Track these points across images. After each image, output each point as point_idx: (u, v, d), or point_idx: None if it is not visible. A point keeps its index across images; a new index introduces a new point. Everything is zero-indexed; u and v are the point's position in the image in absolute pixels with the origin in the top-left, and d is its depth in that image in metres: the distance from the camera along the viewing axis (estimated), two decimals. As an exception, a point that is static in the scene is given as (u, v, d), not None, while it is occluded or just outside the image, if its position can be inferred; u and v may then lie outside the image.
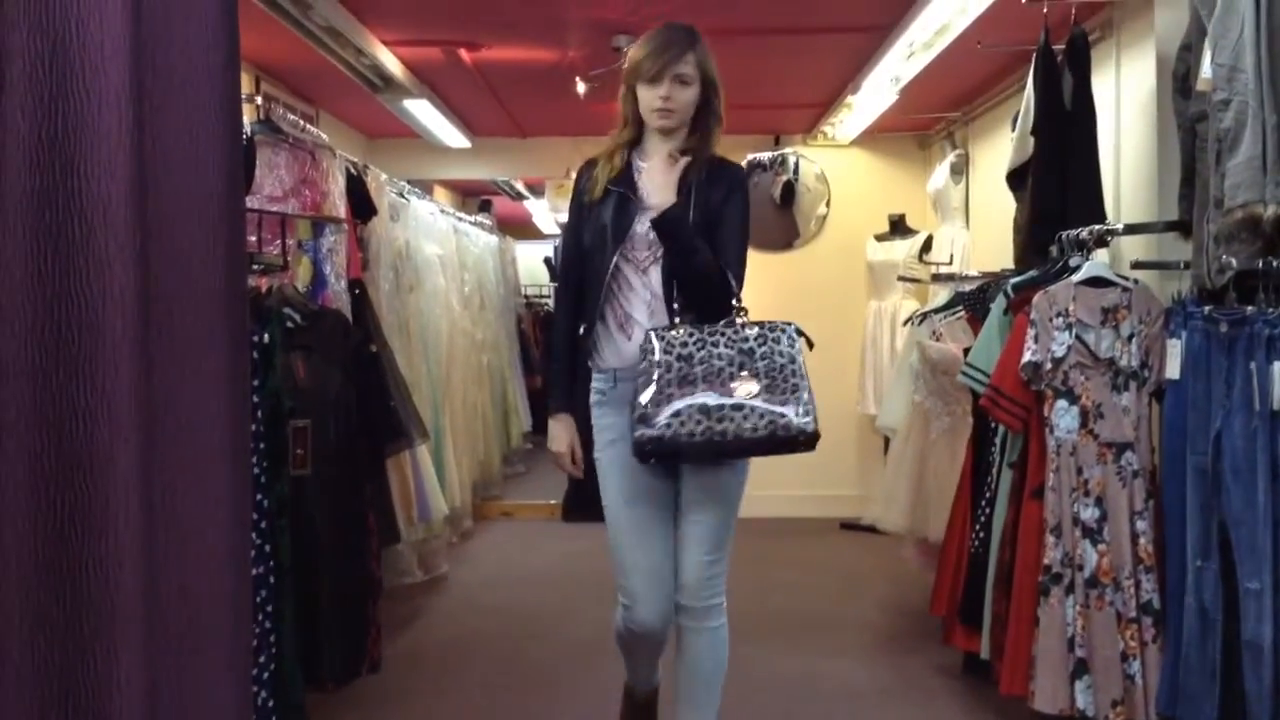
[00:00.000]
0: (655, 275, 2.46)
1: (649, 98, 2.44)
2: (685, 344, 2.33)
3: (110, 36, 1.45)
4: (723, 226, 2.47)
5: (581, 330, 2.56)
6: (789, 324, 2.39)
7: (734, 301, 2.42)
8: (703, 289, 2.42)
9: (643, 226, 2.46)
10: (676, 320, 2.40)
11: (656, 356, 2.32)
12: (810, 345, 2.44)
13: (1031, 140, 3.54)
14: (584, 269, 2.55)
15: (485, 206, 8.96)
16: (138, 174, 1.47)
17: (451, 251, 5.73)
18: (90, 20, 1.43)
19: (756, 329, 2.35)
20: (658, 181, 2.46)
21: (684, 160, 2.46)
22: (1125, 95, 3.77)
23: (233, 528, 1.57)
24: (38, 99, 1.42)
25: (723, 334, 2.35)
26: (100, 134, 1.44)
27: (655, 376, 2.30)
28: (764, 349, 2.32)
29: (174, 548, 1.45)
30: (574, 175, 2.64)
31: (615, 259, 2.46)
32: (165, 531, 1.43)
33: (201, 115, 1.60)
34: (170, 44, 1.57)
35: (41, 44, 1.42)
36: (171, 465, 1.47)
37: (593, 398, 2.56)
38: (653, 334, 2.36)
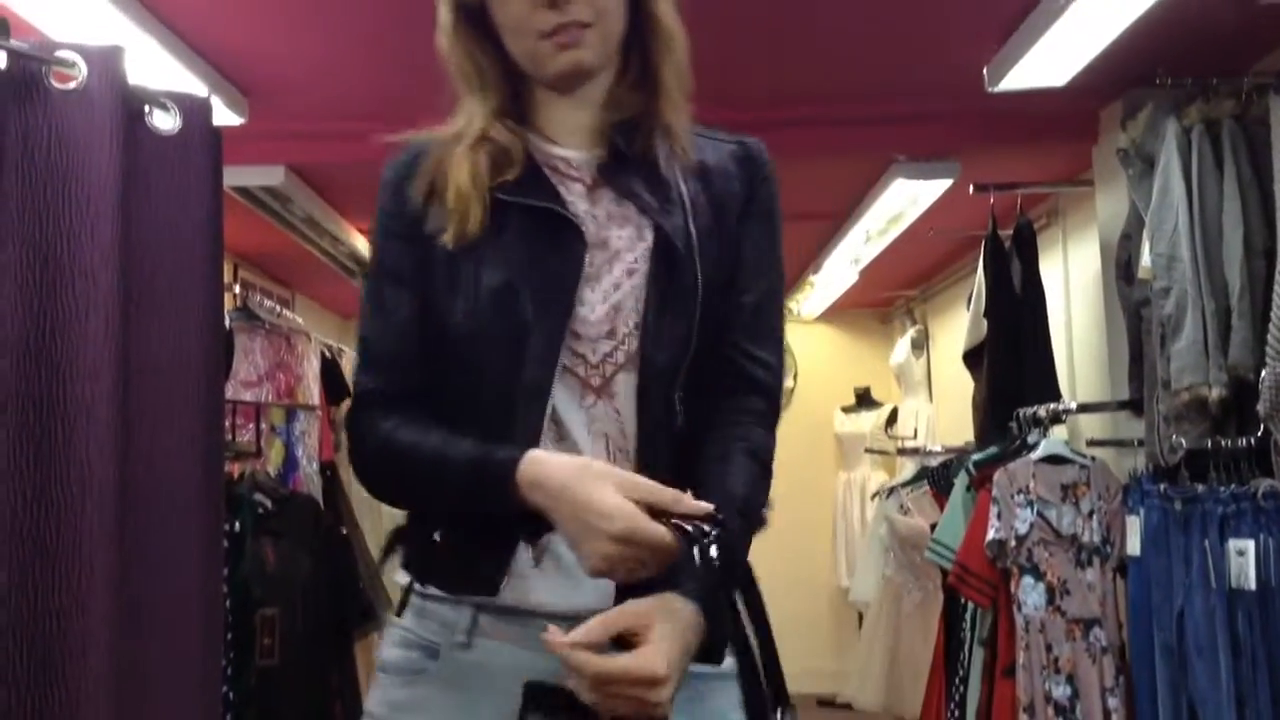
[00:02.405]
0: (624, 397, 1.16)
1: (522, 12, 1.15)
2: None
3: (100, 248, 1.51)
4: (744, 270, 1.22)
5: (434, 535, 1.18)
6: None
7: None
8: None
9: (595, 295, 1.16)
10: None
11: None
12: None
13: (985, 322, 3.67)
14: (447, 378, 1.18)
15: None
16: (121, 374, 1.52)
17: (423, 429, 5.76)
18: (82, 234, 1.50)
19: None
20: (601, 187, 1.21)
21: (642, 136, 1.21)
22: (1074, 279, 3.94)
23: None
24: (26, 307, 1.47)
25: None
26: (87, 338, 1.49)
27: None
28: None
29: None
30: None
31: (550, 372, 1.13)
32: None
33: (187, 315, 1.66)
34: (160, 249, 1.64)
35: (33, 257, 1.48)
36: (144, 662, 1.47)
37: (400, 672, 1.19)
38: None
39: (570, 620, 1.02)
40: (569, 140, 1.22)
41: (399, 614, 1.21)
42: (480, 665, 1.14)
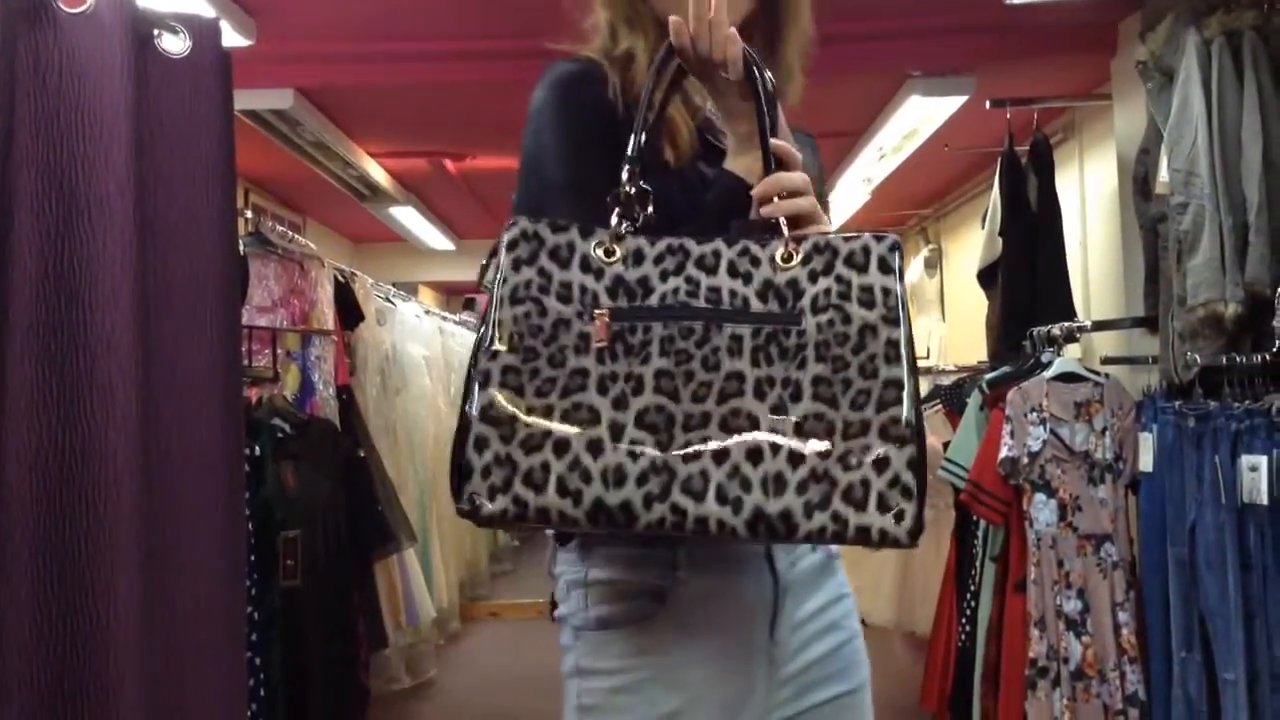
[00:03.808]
0: None
1: None
2: (640, 264, 1.09)
3: (115, 174, 1.51)
4: None
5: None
6: (881, 236, 1.10)
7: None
8: None
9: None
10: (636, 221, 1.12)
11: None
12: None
13: (1000, 240, 3.65)
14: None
15: (469, 304, 9.05)
16: (141, 302, 1.53)
17: (437, 353, 5.80)
18: (96, 160, 1.50)
19: (803, 256, 1.08)
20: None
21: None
22: (1090, 195, 3.91)
23: (229, 645, 1.60)
24: (44, 235, 1.48)
25: (735, 261, 1.08)
26: (105, 266, 1.50)
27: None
28: (824, 319, 1.05)
29: (173, 670, 1.48)
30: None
31: None
32: (164, 654, 1.46)
33: (202, 241, 1.67)
34: (172, 177, 1.64)
35: (48, 184, 1.48)
36: (170, 585, 1.50)
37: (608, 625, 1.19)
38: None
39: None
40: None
41: (584, 572, 1.21)
42: (702, 595, 1.18)
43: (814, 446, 1.00)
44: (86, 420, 1.44)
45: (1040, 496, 2.91)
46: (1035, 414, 2.93)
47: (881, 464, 0.99)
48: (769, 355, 1.03)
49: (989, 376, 3.28)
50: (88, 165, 1.50)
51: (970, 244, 4.98)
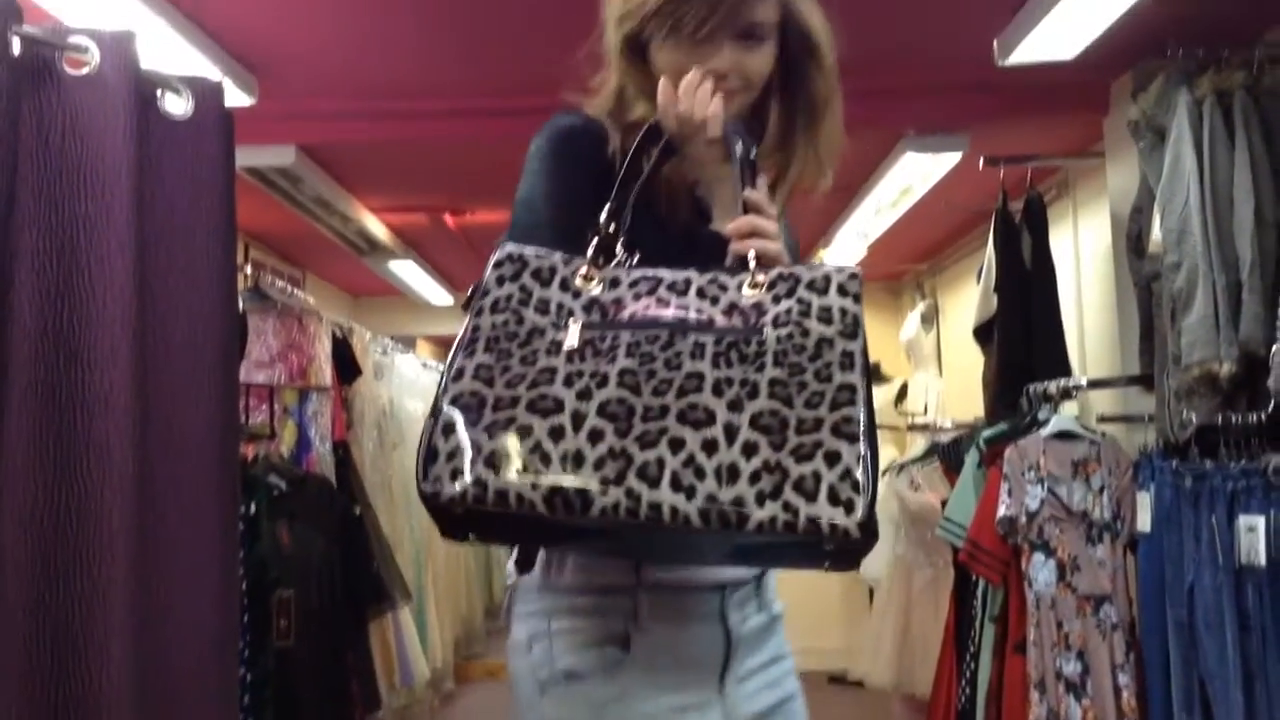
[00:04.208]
0: None
1: (676, 60, 1.27)
2: (615, 288, 1.16)
3: (115, 233, 1.52)
4: None
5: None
6: (842, 268, 1.15)
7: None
8: None
9: None
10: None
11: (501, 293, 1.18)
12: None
13: (995, 297, 3.66)
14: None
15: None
16: (140, 361, 1.53)
17: (434, 407, 5.78)
18: (98, 220, 1.51)
19: (768, 283, 1.14)
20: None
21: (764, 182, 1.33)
22: (1084, 253, 3.93)
23: (221, 708, 1.58)
24: (44, 294, 1.48)
25: (704, 287, 1.15)
26: (104, 325, 1.50)
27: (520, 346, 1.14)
28: (783, 332, 1.10)
29: (164, 733, 1.46)
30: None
31: None
32: (156, 717, 1.45)
33: (202, 301, 1.67)
34: (173, 237, 1.65)
35: (49, 243, 1.49)
36: (164, 647, 1.49)
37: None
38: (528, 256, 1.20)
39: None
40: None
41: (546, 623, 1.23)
42: (663, 643, 1.22)
43: (767, 439, 1.02)
44: (83, 480, 1.44)
45: (1039, 556, 2.89)
46: (1033, 472, 2.93)
47: (832, 458, 1.01)
48: (729, 359, 1.07)
49: (986, 434, 3.28)
50: (89, 225, 1.51)
51: (966, 299, 5.00)
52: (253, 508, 2.58)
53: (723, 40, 1.26)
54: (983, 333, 3.85)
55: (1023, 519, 2.91)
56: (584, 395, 1.06)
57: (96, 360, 1.48)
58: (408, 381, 5.27)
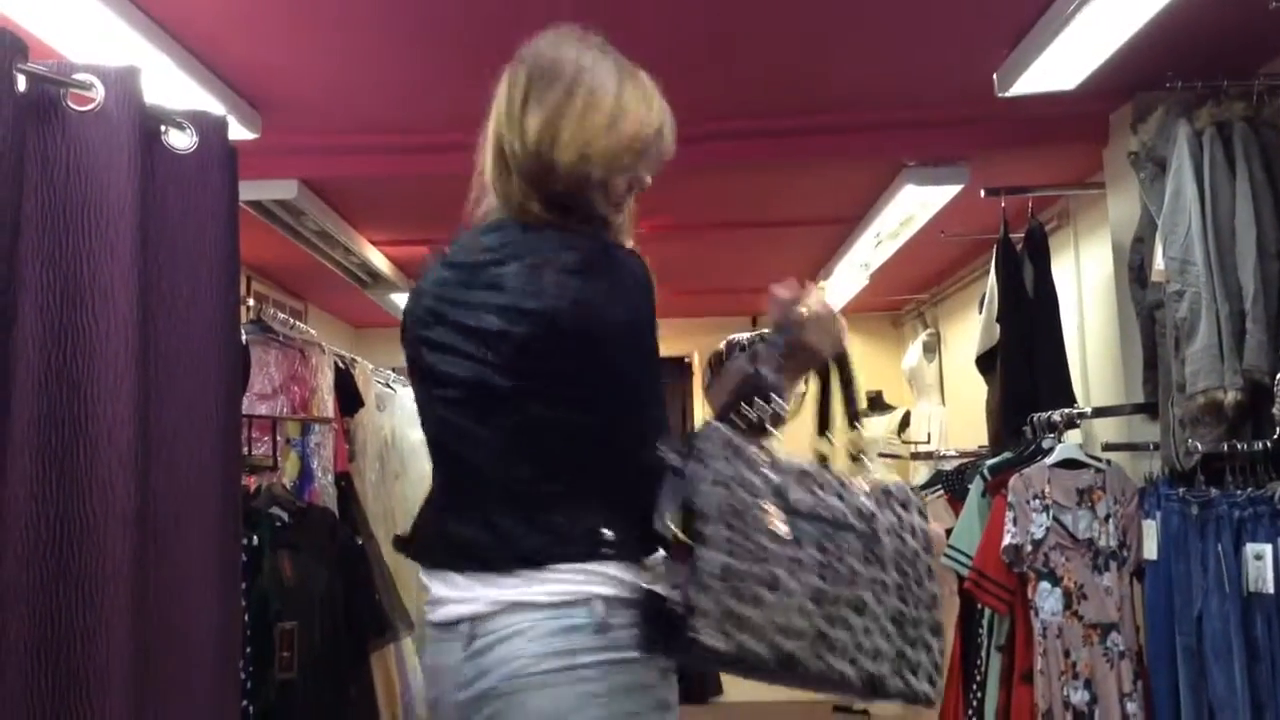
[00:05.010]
0: None
1: (622, 190, 1.56)
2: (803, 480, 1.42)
3: (119, 267, 1.53)
4: None
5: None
6: (899, 488, 1.56)
7: None
8: None
9: None
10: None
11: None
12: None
13: (998, 327, 3.66)
14: None
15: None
16: (142, 394, 1.53)
17: (436, 438, 5.77)
18: (101, 254, 1.52)
19: (865, 490, 1.49)
20: None
21: None
22: (1086, 282, 3.93)
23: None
24: (48, 327, 1.49)
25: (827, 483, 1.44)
26: (107, 358, 1.50)
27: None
28: (895, 544, 1.46)
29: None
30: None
31: None
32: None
33: (205, 334, 1.68)
34: (176, 270, 1.65)
35: (53, 276, 1.50)
36: (165, 681, 1.48)
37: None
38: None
39: None
40: None
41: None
42: None
43: (898, 631, 1.42)
44: (86, 514, 1.44)
45: (1045, 585, 2.88)
46: (1038, 500, 2.92)
47: (929, 649, 1.45)
48: (868, 559, 1.40)
49: (990, 462, 3.27)
50: (93, 259, 1.51)
51: (968, 328, 5.00)
52: (255, 539, 2.56)
53: None
54: (985, 362, 3.84)
55: (1028, 547, 2.89)
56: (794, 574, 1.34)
57: (99, 393, 1.48)
58: (409, 412, 5.25)
